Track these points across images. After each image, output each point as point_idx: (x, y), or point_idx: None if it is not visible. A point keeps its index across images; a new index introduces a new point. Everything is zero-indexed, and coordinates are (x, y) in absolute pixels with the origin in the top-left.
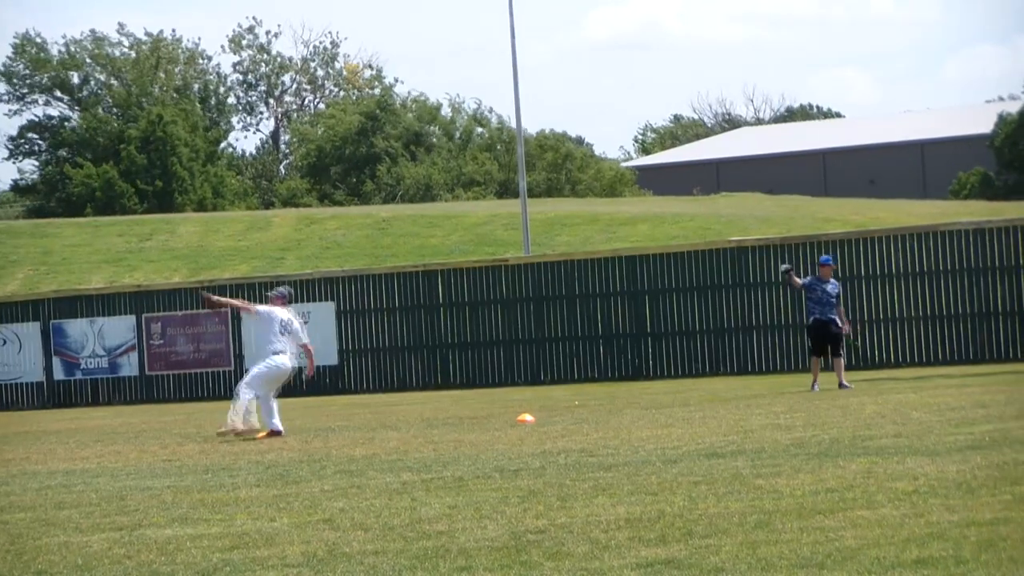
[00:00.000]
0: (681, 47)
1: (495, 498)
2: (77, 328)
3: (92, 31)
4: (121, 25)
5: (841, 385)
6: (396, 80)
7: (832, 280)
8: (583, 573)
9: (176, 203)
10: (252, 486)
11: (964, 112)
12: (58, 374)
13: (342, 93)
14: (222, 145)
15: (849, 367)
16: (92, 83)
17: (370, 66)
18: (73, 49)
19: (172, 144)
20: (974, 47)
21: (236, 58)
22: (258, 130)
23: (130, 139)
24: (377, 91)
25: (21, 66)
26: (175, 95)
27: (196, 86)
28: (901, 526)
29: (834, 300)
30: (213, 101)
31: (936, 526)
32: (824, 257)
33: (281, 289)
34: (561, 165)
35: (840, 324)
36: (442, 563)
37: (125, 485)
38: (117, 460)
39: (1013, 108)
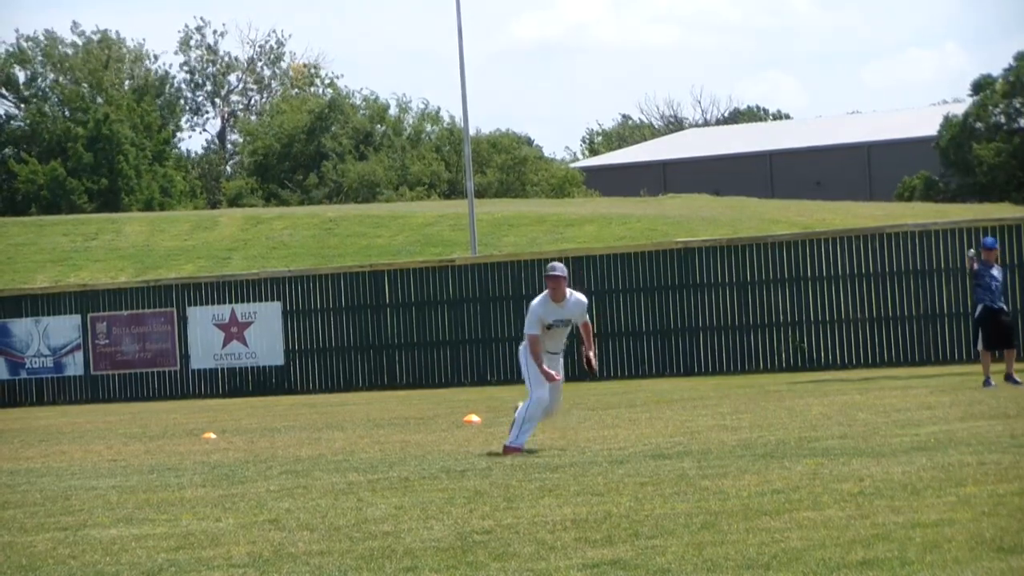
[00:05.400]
0: (620, 50)
1: (441, 499)
2: (22, 327)
3: (47, 30)
4: (75, 23)
5: (1009, 377)
6: (337, 76)
7: (996, 265)
8: (529, 574)
9: (123, 202)
10: (198, 486)
11: (910, 115)
12: (2, 374)
13: (290, 92)
14: (171, 146)
15: (795, 368)
16: (40, 81)
17: (315, 66)
18: (24, 45)
19: (118, 142)
20: (905, 52)
21: (183, 58)
22: (204, 130)
23: (77, 137)
24: (322, 90)
25: None
26: (129, 95)
27: (141, 84)
28: (847, 527)
29: (1002, 286)
30: (161, 100)
31: (881, 527)
32: (988, 240)
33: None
34: (515, 167)
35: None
36: (388, 564)
37: (70, 485)
38: (62, 460)
39: (958, 110)
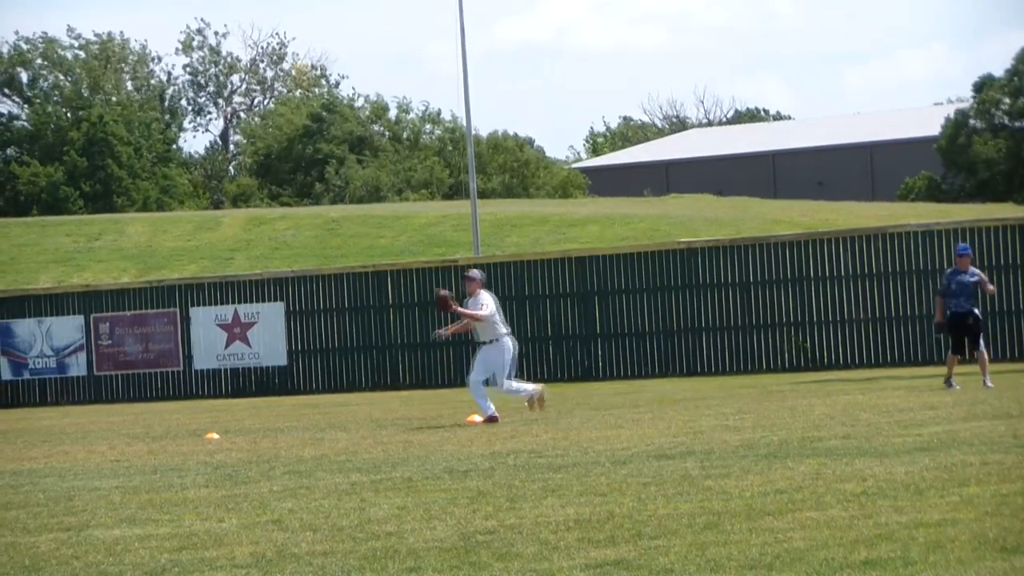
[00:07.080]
0: (622, 51)
1: (444, 499)
2: (25, 328)
3: (44, 33)
4: (71, 28)
5: (984, 384)
6: (342, 77)
7: (971, 269)
8: (532, 574)
9: (115, 205)
10: (200, 487)
11: (912, 115)
12: (5, 374)
13: (291, 93)
14: (173, 147)
15: (798, 368)
16: (42, 82)
17: (314, 66)
18: (25, 47)
19: (111, 145)
20: (902, 53)
21: (186, 59)
22: (207, 130)
23: (73, 142)
24: (326, 90)
25: None
26: (127, 96)
27: (149, 84)
28: (849, 527)
29: (971, 288)
30: (167, 103)
31: (884, 527)
32: (961, 246)
33: (475, 272)
34: (518, 169)
35: (978, 312)
36: (391, 564)
37: (73, 485)
38: (65, 460)
39: (960, 110)
